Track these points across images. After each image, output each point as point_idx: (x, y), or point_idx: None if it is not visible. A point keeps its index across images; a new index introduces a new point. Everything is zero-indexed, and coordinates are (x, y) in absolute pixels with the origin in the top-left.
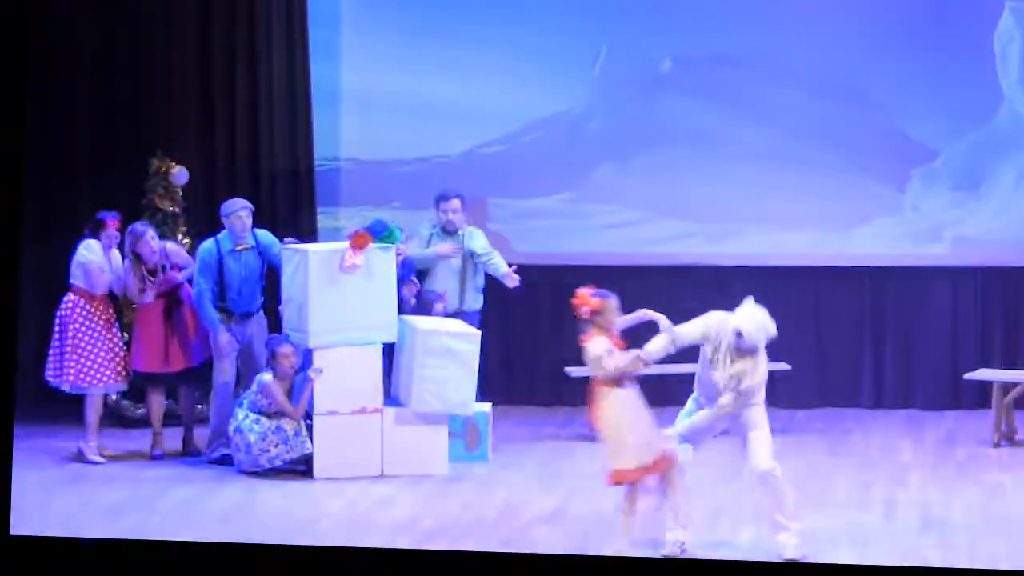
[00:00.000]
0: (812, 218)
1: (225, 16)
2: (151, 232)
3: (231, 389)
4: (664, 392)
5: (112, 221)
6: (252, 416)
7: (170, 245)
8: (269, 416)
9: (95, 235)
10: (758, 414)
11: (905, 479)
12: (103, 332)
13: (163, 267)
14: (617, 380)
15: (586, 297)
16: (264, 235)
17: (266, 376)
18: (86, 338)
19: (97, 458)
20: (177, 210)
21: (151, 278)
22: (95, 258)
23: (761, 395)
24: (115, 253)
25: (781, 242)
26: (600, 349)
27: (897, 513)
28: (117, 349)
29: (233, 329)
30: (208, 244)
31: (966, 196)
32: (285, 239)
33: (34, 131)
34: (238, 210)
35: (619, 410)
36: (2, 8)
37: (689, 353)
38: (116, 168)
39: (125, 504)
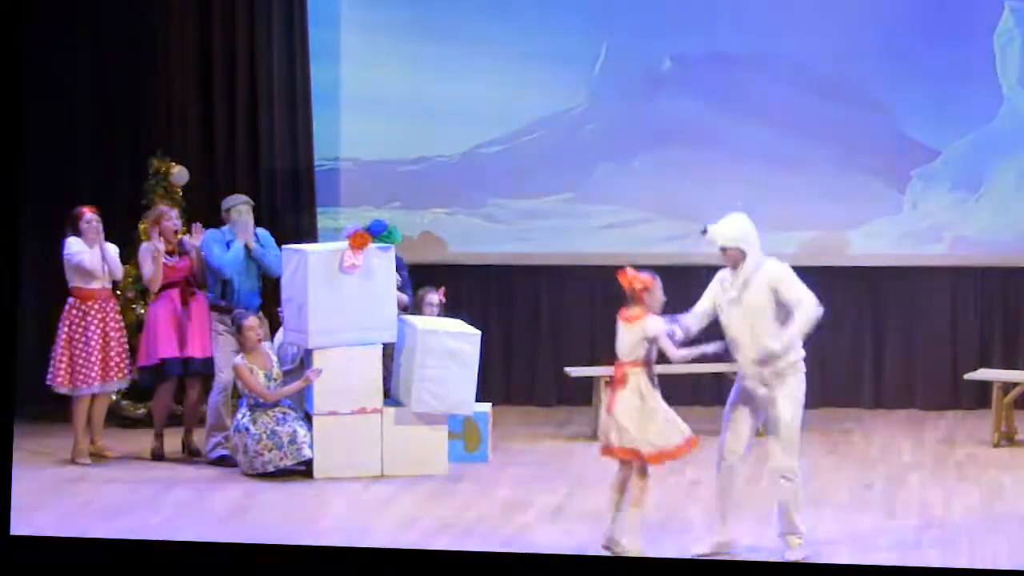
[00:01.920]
0: (812, 218)
1: (225, 16)
2: (176, 212)
3: (230, 389)
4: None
5: (88, 208)
6: (249, 415)
7: (186, 237)
8: (266, 413)
9: (76, 230)
10: (789, 403)
11: (905, 479)
12: (96, 333)
13: (180, 252)
14: (647, 362)
15: (635, 275)
16: (261, 233)
17: (236, 359)
18: (80, 340)
19: (84, 460)
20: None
21: (168, 257)
22: (80, 250)
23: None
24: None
25: (781, 242)
26: (660, 329)
27: (897, 513)
28: (111, 350)
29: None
30: (215, 231)
31: (966, 196)
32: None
33: (34, 131)
34: (239, 204)
35: (651, 389)
36: (1, 8)
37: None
38: (116, 168)
39: (125, 504)
